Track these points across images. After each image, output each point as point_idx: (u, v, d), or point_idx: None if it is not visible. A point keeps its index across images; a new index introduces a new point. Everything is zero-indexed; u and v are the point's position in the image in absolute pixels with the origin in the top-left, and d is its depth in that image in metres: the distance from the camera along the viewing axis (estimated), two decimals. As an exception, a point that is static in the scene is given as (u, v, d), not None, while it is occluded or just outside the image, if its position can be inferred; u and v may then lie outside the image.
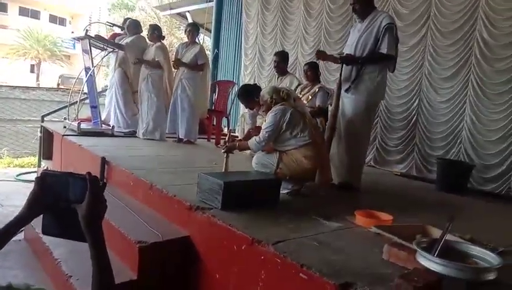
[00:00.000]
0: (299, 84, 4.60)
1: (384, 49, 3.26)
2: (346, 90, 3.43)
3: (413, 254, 1.66)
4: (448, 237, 1.81)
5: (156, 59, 5.27)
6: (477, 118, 4.24)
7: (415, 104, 4.80)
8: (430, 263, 1.54)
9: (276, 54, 4.79)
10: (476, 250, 1.69)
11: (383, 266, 1.79)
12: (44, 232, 1.00)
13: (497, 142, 4.11)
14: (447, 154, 4.47)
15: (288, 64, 5.17)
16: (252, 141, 2.94)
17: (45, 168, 5.82)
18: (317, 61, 4.60)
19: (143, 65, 5.35)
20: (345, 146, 3.44)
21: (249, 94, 4.15)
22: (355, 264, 1.79)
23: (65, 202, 0.94)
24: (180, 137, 5.36)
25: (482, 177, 4.19)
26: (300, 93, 4.42)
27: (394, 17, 4.22)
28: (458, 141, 4.41)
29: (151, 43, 5.47)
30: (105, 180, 3.55)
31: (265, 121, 2.94)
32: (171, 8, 9.88)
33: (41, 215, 0.98)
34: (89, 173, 0.93)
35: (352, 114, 3.40)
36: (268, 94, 3.07)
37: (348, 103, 3.45)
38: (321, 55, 3.61)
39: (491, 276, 1.51)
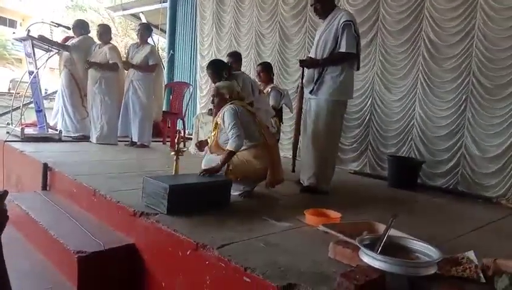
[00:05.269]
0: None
1: (343, 48, 3.21)
2: (310, 92, 3.39)
3: (358, 251, 1.64)
4: (393, 232, 1.81)
5: (111, 61, 5.09)
6: (426, 115, 4.35)
7: (369, 103, 4.87)
8: (372, 259, 1.52)
9: (229, 54, 4.67)
10: (418, 245, 1.70)
11: (328, 264, 1.77)
12: None
13: (446, 138, 4.21)
14: (399, 151, 4.55)
15: (243, 65, 5.11)
16: (230, 143, 2.76)
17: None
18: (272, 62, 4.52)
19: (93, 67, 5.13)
20: (311, 148, 3.38)
21: (219, 68, 3.91)
22: (301, 265, 1.75)
23: None
24: (133, 140, 5.18)
25: (432, 173, 4.30)
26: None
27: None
28: (409, 138, 4.50)
29: (100, 43, 5.27)
30: (48, 188, 3.35)
31: (223, 123, 2.85)
32: (123, 9, 9.57)
33: None
34: None
35: (316, 115, 3.36)
36: (228, 90, 3.00)
37: (313, 104, 3.41)
38: (306, 63, 3.42)
39: (432, 270, 1.51)
